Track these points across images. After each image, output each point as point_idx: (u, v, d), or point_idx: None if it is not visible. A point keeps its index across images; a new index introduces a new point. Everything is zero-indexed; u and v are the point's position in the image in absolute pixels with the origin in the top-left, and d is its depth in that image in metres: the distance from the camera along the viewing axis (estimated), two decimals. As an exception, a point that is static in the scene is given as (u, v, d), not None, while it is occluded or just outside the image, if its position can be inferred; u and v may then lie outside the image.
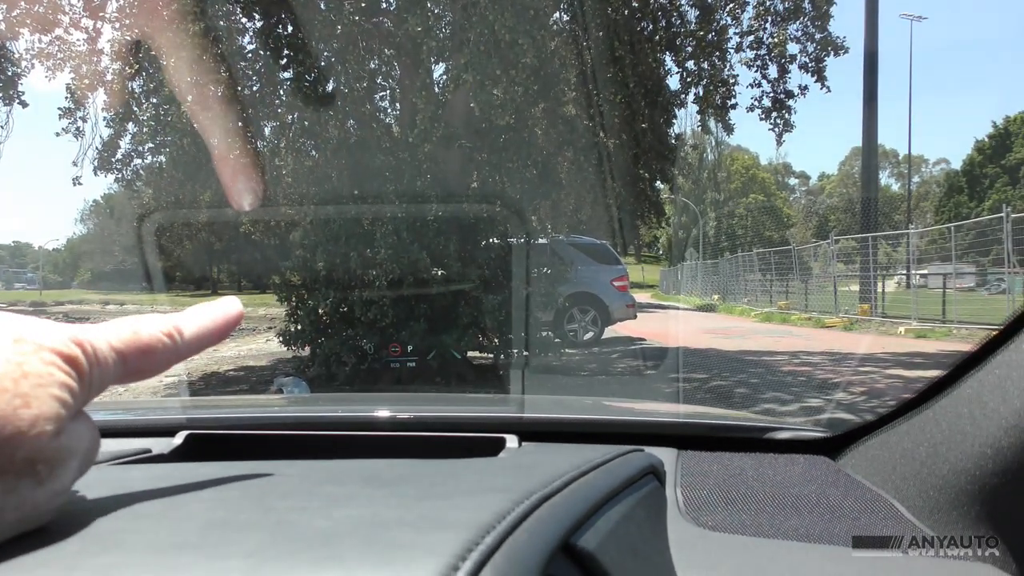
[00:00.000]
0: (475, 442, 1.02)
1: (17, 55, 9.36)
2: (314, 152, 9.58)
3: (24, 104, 9.38)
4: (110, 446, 1.08)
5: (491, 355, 9.25)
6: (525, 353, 8.92)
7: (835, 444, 1.12)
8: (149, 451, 0.99)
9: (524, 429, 1.07)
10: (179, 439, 1.05)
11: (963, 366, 0.85)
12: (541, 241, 10.18)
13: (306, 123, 9.13)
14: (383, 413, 1.21)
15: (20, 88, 9.34)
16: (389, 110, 10.36)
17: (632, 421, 1.33)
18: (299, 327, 8.95)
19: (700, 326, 18.16)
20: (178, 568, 0.42)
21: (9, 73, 9.21)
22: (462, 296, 8.39)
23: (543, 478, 0.63)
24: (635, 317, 13.78)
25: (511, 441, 1.02)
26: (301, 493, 0.61)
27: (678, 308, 31.44)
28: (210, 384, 10.47)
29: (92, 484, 0.64)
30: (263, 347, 15.98)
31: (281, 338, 9.27)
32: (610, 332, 13.54)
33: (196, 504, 0.57)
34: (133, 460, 0.95)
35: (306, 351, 9.10)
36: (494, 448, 1.00)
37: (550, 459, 0.79)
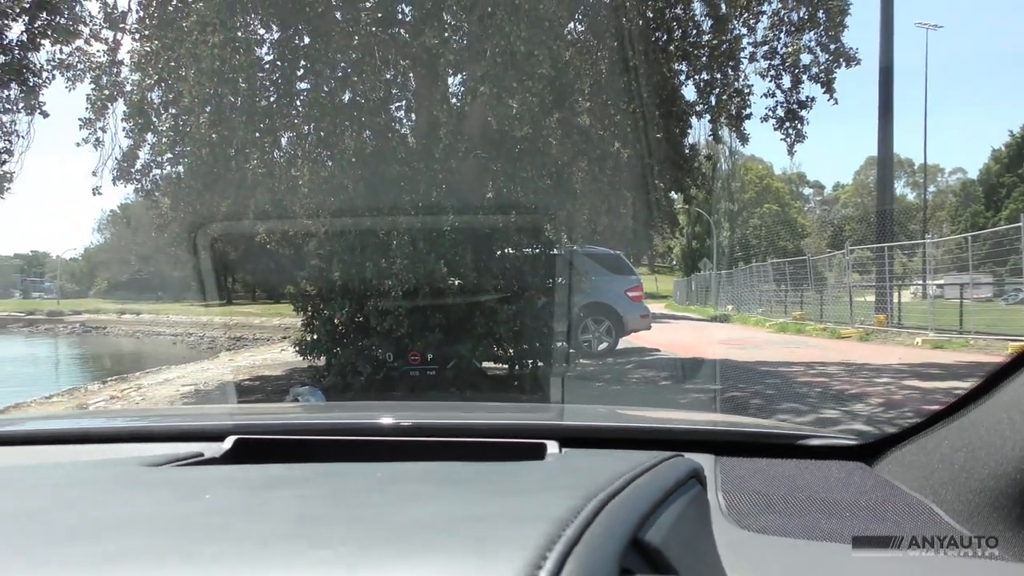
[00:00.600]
0: (517, 447, 1.04)
1: (38, 66, 9.49)
2: (330, 162, 9.63)
3: (45, 115, 9.50)
4: (162, 450, 1.11)
5: (505, 365, 9.25)
6: (544, 363, 8.92)
7: (869, 451, 1.13)
8: (201, 455, 1.02)
9: (564, 435, 1.09)
10: (228, 443, 1.08)
11: (999, 374, 0.86)
12: (556, 251, 10.19)
13: (322, 134, 9.18)
14: (428, 419, 1.24)
15: (41, 99, 9.45)
16: (405, 120, 10.42)
17: (669, 428, 1.35)
18: (315, 337, 8.99)
19: (715, 337, 18.11)
20: (288, 555, 0.45)
21: (31, 84, 9.33)
22: (477, 306, 8.41)
23: (602, 478, 0.65)
24: (649, 327, 13.76)
25: (552, 446, 1.04)
26: (376, 491, 0.64)
27: (692, 319, 31.36)
28: (226, 393, 10.54)
29: (161, 484, 0.68)
30: (278, 357, 16.06)
31: (297, 348, 9.31)
32: (624, 342, 13.52)
33: (277, 501, 0.61)
34: (191, 463, 0.98)
35: (322, 361, 9.13)
36: (535, 453, 1.02)
37: (598, 462, 0.81)
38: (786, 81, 9.95)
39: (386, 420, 1.26)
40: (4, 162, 9.59)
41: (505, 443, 1.07)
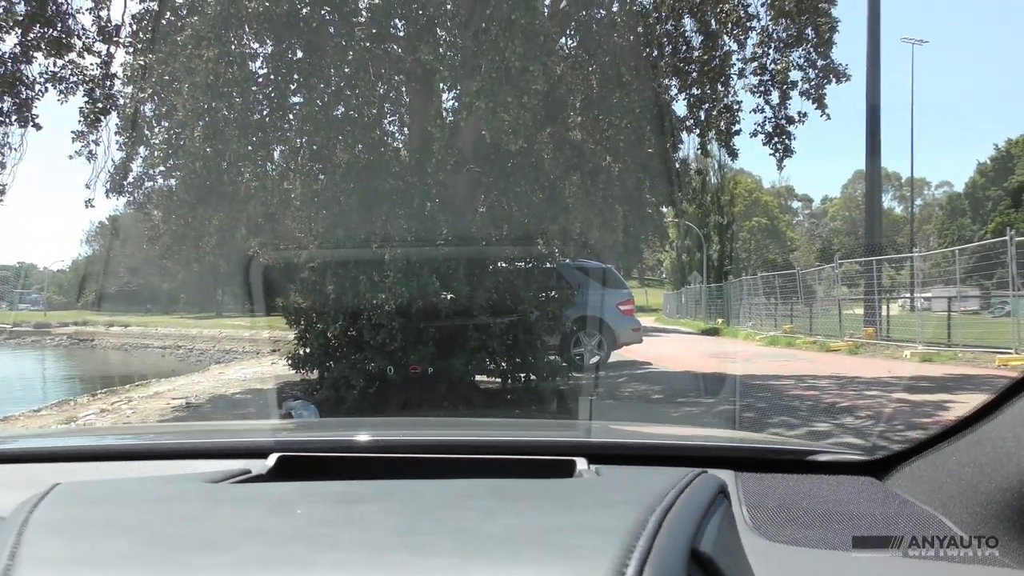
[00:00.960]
0: (548, 463, 1.08)
1: (31, 78, 9.49)
2: (323, 176, 9.65)
3: (38, 127, 9.50)
4: (204, 467, 1.14)
5: (499, 379, 9.28)
6: (537, 377, 8.94)
7: (879, 466, 1.18)
8: (249, 471, 1.05)
9: (591, 452, 1.13)
10: (271, 460, 1.11)
11: (1006, 393, 0.90)
12: (548, 265, 10.24)
13: (315, 147, 9.21)
14: (464, 437, 1.27)
15: (35, 111, 9.45)
16: (398, 134, 10.46)
17: (690, 445, 1.40)
18: (308, 350, 8.99)
19: (705, 350, 18.18)
20: (401, 564, 0.49)
21: (24, 96, 9.33)
22: (470, 320, 8.43)
23: (650, 493, 0.70)
24: (641, 341, 13.81)
25: (581, 463, 1.08)
26: (447, 507, 0.68)
27: (682, 332, 31.46)
28: (217, 407, 10.51)
29: (241, 499, 0.73)
30: (268, 370, 16.03)
31: (290, 361, 9.31)
32: (616, 356, 13.57)
33: (367, 515, 0.66)
34: (244, 479, 1.01)
35: (315, 374, 9.13)
36: (565, 468, 1.06)
37: (635, 478, 0.86)
38: (775, 97, 10.05)
39: (426, 438, 1.30)
40: (-4, 174, 9.59)
41: (538, 460, 1.11)
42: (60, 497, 0.83)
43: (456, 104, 9.16)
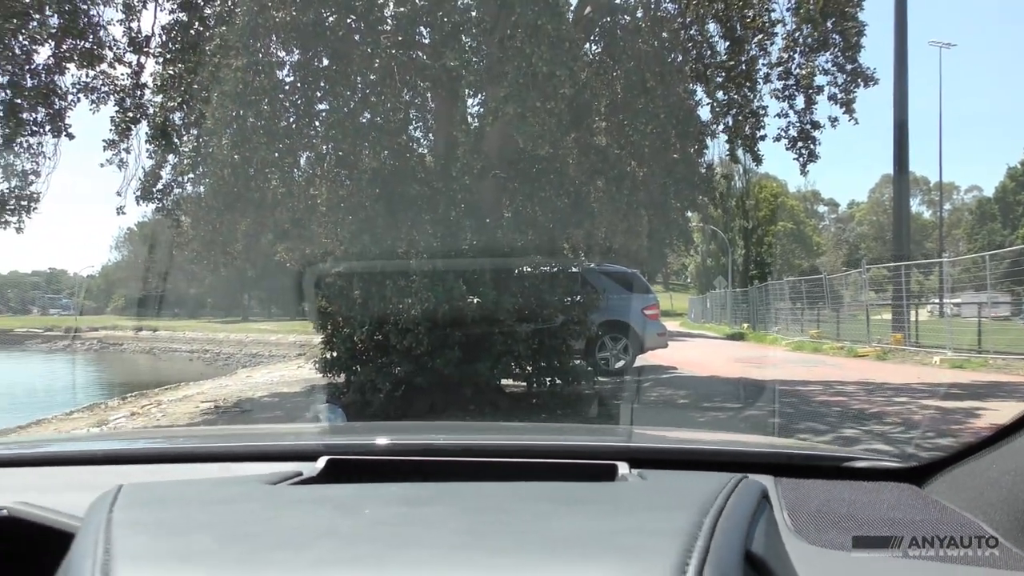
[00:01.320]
0: (588, 467, 1.10)
1: (64, 89, 9.68)
2: (348, 182, 9.73)
3: (71, 136, 9.68)
4: (255, 469, 1.17)
5: (524, 383, 9.29)
6: (562, 381, 8.95)
7: (916, 474, 1.18)
8: (301, 473, 1.08)
9: (633, 456, 1.15)
10: (321, 463, 1.14)
11: None
12: (573, 270, 10.24)
13: (341, 153, 9.29)
14: (507, 441, 1.30)
15: (67, 121, 9.63)
16: (423, 140, 10.53)
17: (730, 451, 1.41)
18: (335, 354, 9.05)
19: (731, 355, 18.07)
20: (465, 564, 0.52)
21: (57, 106, 9.51)
22: (496, 324, 8.45)
23: (699, 497, 0.71)
24: (666, 346, 13.76)
25: (623, 467, 1.09)
26: (505, 509, 0.71)
27: (707, 336, 31.28)
28: (245, 411, 10.61)
29: (305, 500, 0.76)
30: (295, 373, 16.14)
31: (317, 365, 9.38)
32: (641, 360, 13.53)
33: (432, 516, 0.68)
34: (297, 481, 1.04)
35: (341, 378, 9.19)
36: (605, 472, 1.07)
37: (679, 482, 0.87)
38: (799, 101, 10.00)
39: (472, 442, 1.32)
40: (31, 183, 9.77)
41: (580, 464, 1.13)
42: (131, 498, 0.86)
43: (481, 110, 9.21)
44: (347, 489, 0.92)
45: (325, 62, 9.20)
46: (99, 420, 11.00)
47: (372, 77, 9.01)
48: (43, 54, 9.44)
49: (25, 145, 9.71)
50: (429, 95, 9.92)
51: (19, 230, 9.81)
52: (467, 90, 9.00)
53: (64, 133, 9.69)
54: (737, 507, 0.73)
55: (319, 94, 9.29)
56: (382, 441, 1.38)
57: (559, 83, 7.36)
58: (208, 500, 0.91)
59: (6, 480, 1.27)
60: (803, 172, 10.83)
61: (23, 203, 9.79)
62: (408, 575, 0.54)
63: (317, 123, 9.49)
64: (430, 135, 10.39)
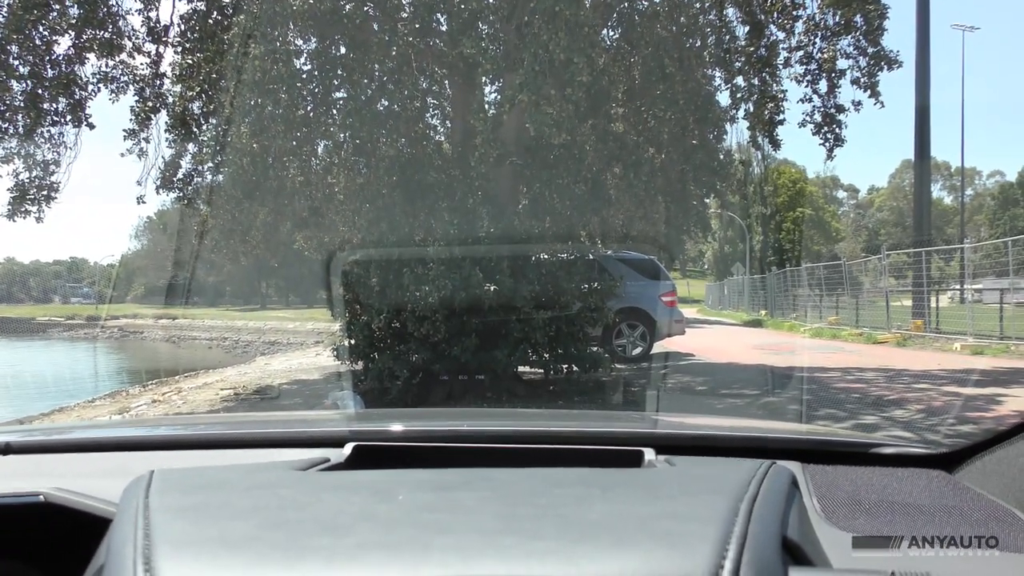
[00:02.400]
0: (614, 453, 1.10)
1: (85, 79, 9.74)
2: (366, 170, 9.75)
3: (91, 126, 9.74)
4: (283, 456, 1.18)
5: (541, 370, 9.30)
6: (580, 368, 8.95)
7: (945, 460, 1.17)
8: (327, 460, 1.09)
9: (658, 443, 1.15)
10: (348, 449, 1.15)
11: None
12: (590, 257, 10.21)
13: (358, 142, 9.31)
14: (534, 427, 1.30)
15: (88, 111, 9.69)
16: (440, 128, 10.52)
17: (757, 437, 1.41)
18: (353, 342, 9.09)
19: (749, 342, 17.99)
20: (506, 548, 0.52)
21: (77, 96, 9.57)
22: (513, 312, 8.46)
23: (733, 483, 0.71)
24: (684, 332, 13.72)
25: (649, 453, 1.09)
26: (540, 494, 0.71)
27: (725, 323, 31.15)
28: (264, 397, 10.70)
29: (339, 486, 0.76)
30: (313, 361, 16.24)
31: (335, 352, 9.43)
32: (658, 347, 13.50)
33: (467, 502, 0.68)
34: (326, 467, 1.05)
35: (359, 365, 9.24)
36: (631, 459, 1.07)
37: (709, 468, 0.87)
38: (823, 86, 9.87)
39: (497, 428, 1.33)
40: (52, 172, 9.85)
41: (606, 450, 1.13)
42: (165, 483, 0.87)
43: (498, 97, 9.18)
44: (378, 475, 0.92)
45: (342, 50, 9.21)
46: (121, 407, 11.13)
47: (389, 65, 9.01)
48: (63, 44, 9.50)
49: (46, 135, 9.78)
50: (446, 83, 9.91)
51: (40, 220, 9.89)
52: (484, 77, 8.97)
53: (85, 123, 9.75)
54: (770, 493, 0.73)
55: (336, 82, 9.31)
56: (408, 427, 1.39)
57: (576, 70, 7.32)
58: (243, 486, 0.91)
59: (39, 466, 1.29)
60: (830, 157, 10.66)
61: (44, 193, 9.87)
62: (451, 560, 0.54)
63: (335, 111, 9.51)
64: (447, 123, 10.39)
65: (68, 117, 9.63)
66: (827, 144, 9.90)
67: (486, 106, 9.76)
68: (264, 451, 1.28)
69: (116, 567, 0.66)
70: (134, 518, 0.75)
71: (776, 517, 0.67)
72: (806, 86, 9.86)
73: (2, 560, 1.04)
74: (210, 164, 9.93)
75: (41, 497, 1.03)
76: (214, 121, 9.79)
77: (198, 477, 0.98)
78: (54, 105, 9.54)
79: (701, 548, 0.53)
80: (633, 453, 1.10)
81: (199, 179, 10.24)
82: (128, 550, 0.68)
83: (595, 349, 9.95)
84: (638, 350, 12.72)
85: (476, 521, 0.64)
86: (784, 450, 1.23)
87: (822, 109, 9.81)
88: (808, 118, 9.88)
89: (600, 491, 0.73)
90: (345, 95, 9.32)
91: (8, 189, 9.76)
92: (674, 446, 1.18)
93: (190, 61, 9.62)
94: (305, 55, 9.45)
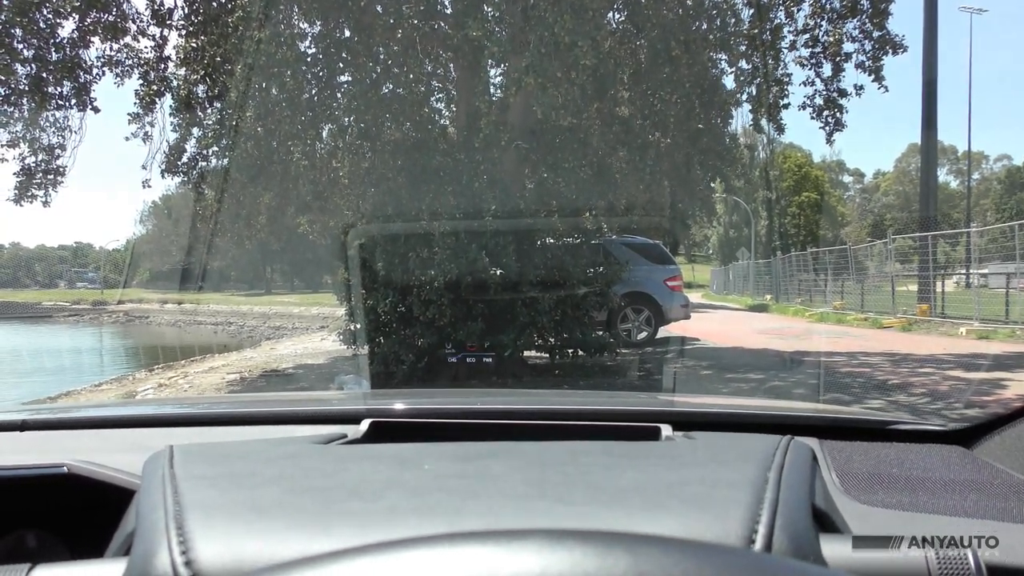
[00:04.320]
0: (631, 429, 1.10)
1: (89, 63, 9.72)
2: (371, 154, 9.74)
3: (96, 110, 9.73)
4: (302, 432, 1.19)
5: (547, 354, 9.32)
6: (585, 352, 8.96)
7: (961, 436, 1.18)
8: (345, 435, 1.10)
9: (675, 419, 1.15)
10: (364, 425, 1.15)
11: None
12: (596, 241, 10.20)
13: (363, 125, 9.29)
14: (551, 404, 1.31)
15: (92, 94, 9.68)
16: (445, 111, 10.49)
17: (773, 414, 1.42)
18: (358, 326, 9.11)
19: (754, 326, 17.99)
20: (539, 512, 0.52)
21: (82, 80, 9.56)
22: (519, 296, 8.47)
23: (758, 453, 0.72)
24: (689, 317, 13.72)
25: (666, 429, 1.10)
26: (567, 464, 0.71)
27: (730, 308, 31.15)
28: (271, 381, 10.73)
29: (362, 457, 0.76)
30: (319, 346, 16.28)
31: (341, 336, 9.46)
32: (664, 332, 13.51)
33: (494, 470, 0.69)
34: (345, 442, 1.06)
35: (365, 350, 9.26)
36: (648, 434, 1.08)
37: (728, 442, 0.87)
38: (826, 69, 9.81)
39: (513, 406, 1.34)
40: (57, 157, 9.85)
41: (623, 426, 1.13)
42: (186, 455, 0.88)
43: (504, 80, 9.15)
44: (401, 447, 0.92)
45: (347, 33, 9.17)
46: (127, 392, 11.18)
47: (394, 48, 8.97)
48: (67, 28, 9.47)
49: (51, 119, 9.78)
50: (451, 66, 9.87)
51: (46, 204, 9.91)
52: (489, 60, 8.93)
53: (89, 107, 9.74)
54: (795, 463, 0.74)
55: (341, 66, 9.28)
56: (425, 404, 1.40)
57: (581, 53, 7.28)
58: (265, 457, 0.92)
59: (57, 442, 1.30)
60: (829, 141, 10.63)
61: (49, 177, 9.88)
62: (484, 524, 0.55)
63: (339, 95, 9.48)
64: (452, 106, 10.35)
65: (73, 101, 9.62)
66: (827, 128, 9.85)
67: (491, 89, 9.72)
68: (281, 427, 1.28)
69: (147, 531, 0.66)
70: (161, 486, 0.75)
71: (805, 485, 0.67)
72: (810, 69, 9.81)
73: (28, 530, 1.05)
74: (215, 148, 9.92)
75: (65, 468, 1.04)
76: (218, 105, 9.78)
77: (220, 449, 0.98)
78: (59, 89, 9.53)
79: (734, 512, 0.54)
80: (650, 429, 1.10)
81: (204, 163, 10.24)
82: (159, 515, 0.68)
83: (600, 333, 9.97)
84: (643, 335, 12.73)
85: (507, 487, 0.64)
86: (800, 427, 1.23)
87: (824, 93, 9.76)
88: (809, 101, 9.84)
89: (628, 460, 0.73)
90: (350, 79, 9.29)
91: (14, 173, 9.77)
92: (690, 423, 1.19)
93: (194, 44, 9.59)
94: (309, 38, 9.41)
